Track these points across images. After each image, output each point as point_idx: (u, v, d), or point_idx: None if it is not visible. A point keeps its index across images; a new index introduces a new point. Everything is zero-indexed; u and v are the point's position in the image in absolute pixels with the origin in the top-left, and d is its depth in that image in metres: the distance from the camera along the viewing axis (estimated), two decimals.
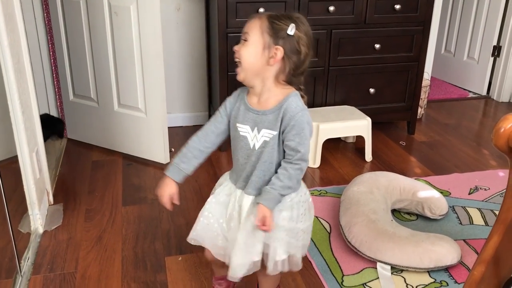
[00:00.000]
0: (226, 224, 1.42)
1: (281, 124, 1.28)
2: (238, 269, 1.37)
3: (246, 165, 1.35)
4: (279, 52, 1.25)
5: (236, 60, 1.29)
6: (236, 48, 1.29)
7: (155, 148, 2.73)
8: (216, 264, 1.55)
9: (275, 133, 1.28)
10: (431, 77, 3.77)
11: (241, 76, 1.29)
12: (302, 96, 1.32)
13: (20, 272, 1.81)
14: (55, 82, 2.97)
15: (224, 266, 1.46)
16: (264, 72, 1.28)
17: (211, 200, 1.46)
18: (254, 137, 1.31)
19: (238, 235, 1.36)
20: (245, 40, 1.27)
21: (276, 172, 1.32)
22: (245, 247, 1.35)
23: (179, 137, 3.16)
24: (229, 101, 1.39)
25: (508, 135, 0.87)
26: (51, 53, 2.91)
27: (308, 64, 1.31)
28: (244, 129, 1.33)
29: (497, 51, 3.97)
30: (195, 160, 1.42)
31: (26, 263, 1.89)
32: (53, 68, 2.94)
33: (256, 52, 1.25)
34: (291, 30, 1.24)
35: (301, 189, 1.40)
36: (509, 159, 0.92)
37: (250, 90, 1.34)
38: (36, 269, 1.87)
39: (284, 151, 1.32)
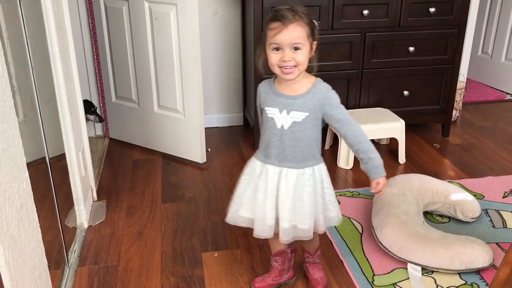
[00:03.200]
0: (264, 200, 1.56)
1: (316, 106, 1.47)
2: (286, 233, 1.56)
3: (276, 143, 1.52)
4: (315, 45, 1.46)
5: (289, 66, 1.42)
6: (289, 57, 1.41)
7: (192, 148, 2.84)
8: (271, 240, 1.72)
9: (307, 113, 1.47)
10: (467, 79, 3.74)
11: (295, 75, 1.44)
12: None
13: (68, 264, 1.94)
14: (99, 85, 3.12)
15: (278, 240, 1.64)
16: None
17: (243, 189, 1.61)
18: (282, 118, 1.49)
19: (286, 204, 1.53)
20: (298, 48, 1.41)
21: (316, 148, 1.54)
22: (293, 214, 1.53)
23: (215, 137, 3.26)
24: (259, 94, 1.57)
25: None
26: (95, 56, 3.05)
27: None
28: (271, 111, 1.51)
29: None
30: None
31: (73, 256, 2.01)
32: (97, 71, 3.08)
33: (307, 54, 1.44)
34: (316, 24, 1.45)
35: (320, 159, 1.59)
36: None
37: (280, 81, 1.50)
38: (82, 261, 2.00)
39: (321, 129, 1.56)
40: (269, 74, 1.49)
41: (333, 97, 1.49)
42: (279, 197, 1.54)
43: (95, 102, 3.18)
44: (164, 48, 2.69)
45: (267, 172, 1.54)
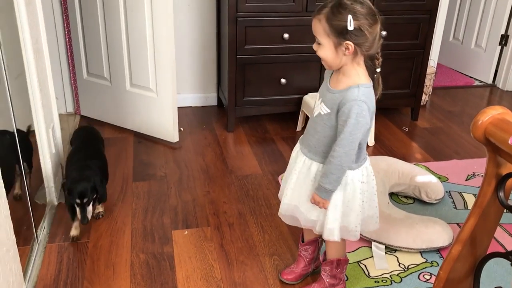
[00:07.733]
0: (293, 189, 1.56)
1: (338, 108, 1.40)
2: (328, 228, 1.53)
3: (308, 128, 1.53)
4: (350, 46, 1.33)
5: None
6: (314, 48, 1.40)
7: (165, 127, 2.84)
8: (306, 230, 1.73)
9: (329, 111, 1.42)
10: (438, 63, 3.82)
11: (326, 67, 1.43)
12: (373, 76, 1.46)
13: (37, 240, 1.94)
14: (70, 61, 3.07)
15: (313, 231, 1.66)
16: (344, 60, 1.38)
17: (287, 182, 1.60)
18: (317, 106, 1.48)
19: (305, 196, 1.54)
20: (319, 44, 1.38)
21: (329, 147, 1.45)
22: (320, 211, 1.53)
23: (188, 117, 3.27)
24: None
25: (485, 127, 0.96)
26: (66, 33, 3.00)
27: (380, 33, 1.38)
28: (317, 97, 1.51)
29: (504, 40, 3.99)
30: None
31: (42, 232, 2.01)
32: (68, 47, 3.03)
33: (331, 52, 1.36)
34: (350, 25, 1.30)
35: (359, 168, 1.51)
36: (486, 149, 1.01)
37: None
38: (51, 238, 2.00)
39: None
40: None
41: (351, 110, 1.35)
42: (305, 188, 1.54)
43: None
44: (137, 25, 2.66)
45: (297, 157, 1.55)
